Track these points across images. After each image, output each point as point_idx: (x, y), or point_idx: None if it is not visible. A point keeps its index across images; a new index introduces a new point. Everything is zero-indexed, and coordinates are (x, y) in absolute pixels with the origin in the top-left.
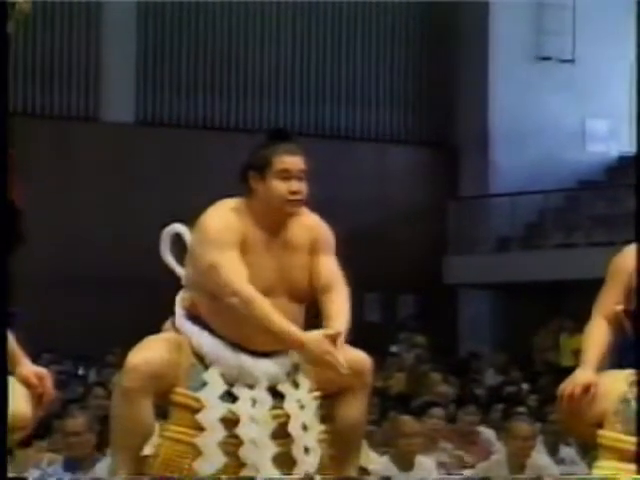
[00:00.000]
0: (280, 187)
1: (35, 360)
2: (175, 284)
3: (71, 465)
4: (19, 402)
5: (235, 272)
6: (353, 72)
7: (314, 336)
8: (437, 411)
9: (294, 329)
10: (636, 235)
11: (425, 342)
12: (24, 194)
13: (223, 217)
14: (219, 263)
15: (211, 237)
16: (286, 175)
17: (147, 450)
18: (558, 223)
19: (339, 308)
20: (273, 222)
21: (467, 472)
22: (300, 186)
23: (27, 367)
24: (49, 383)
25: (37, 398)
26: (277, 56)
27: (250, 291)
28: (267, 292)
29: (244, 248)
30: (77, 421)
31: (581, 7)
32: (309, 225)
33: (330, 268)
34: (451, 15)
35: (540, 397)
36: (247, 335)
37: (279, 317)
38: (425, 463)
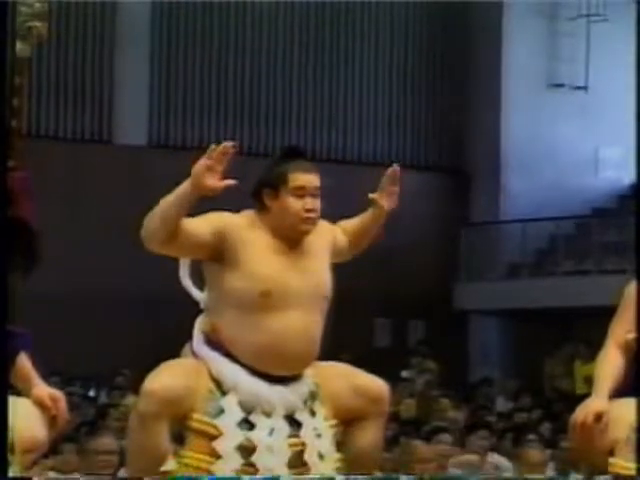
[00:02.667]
0: (295, 204)
1: (45, 381)
2: (191, 307)
3: None
4: (33, 424)
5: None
6: (366, 98)
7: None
8: (445, 437)
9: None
10: (637, 264)
11: (436, 368)
12: (37, 215)
13: (224, 214)
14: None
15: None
16: (301, 192)
17: (166, 467)
18: (569, 250)
19: None
20: (288, 236)
21: None
22: (315, 203)
23: (41, 389)
24: (63, 405)
25: (51, 420)
26: (289, 81)
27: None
28: (286, 297)
29: (248, 246)
30: (108, 440)
31: (595, 35)
32: (321, 229)
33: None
34: (464, 42)
35: (551, 424)
36: (266, 359)
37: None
38: None
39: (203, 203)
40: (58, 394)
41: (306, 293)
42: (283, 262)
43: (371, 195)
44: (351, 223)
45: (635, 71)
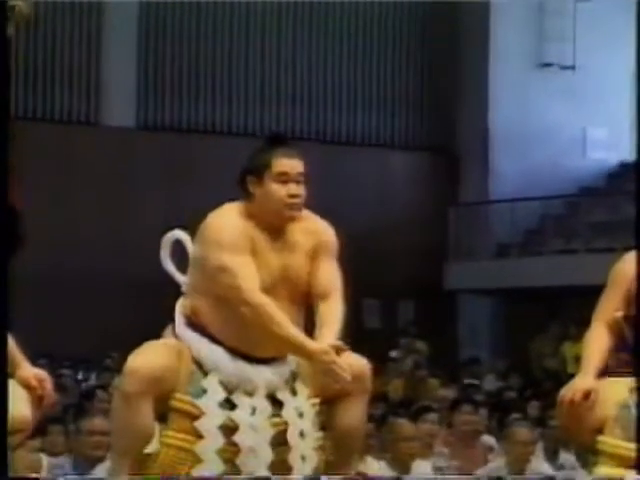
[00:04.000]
0: (278, 190)
1: (33, 364)
2: (174, 289)
3: (82, 465)
4: (19, 404)
5: (247, 278)
6: (354, 77)
7: (322, 346)
8: (431, 416)
9: (303, 337)
10: (636, 242)
11: (425, 348)
12: (23, 197)
13: (232, 220)
14: (229, 267)
15: (221, 240)
16: (284, 178)
17: (149, 449)
18: (558, 229)
19: (333, 317)
20: (274, 225)
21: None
22: (298, 189)
23: (27, 370)
24: (49, 385)
25: (37, 400)
26: (278, 61)
27: (260, 298)
28: (268, 293)
29: (250, 250)
30: (100, 421)
31: (582, 14)
32: (313, 229)
33: (329, 274)
34: (452, 21)
35: (539, 403)
36: (248, 341)
37: (288, 324)
38: (422, 467)
39: (193, 189)
40: (43, 374)
41: (284, 286)
42: (265, 255)
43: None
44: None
45: (635, 53)
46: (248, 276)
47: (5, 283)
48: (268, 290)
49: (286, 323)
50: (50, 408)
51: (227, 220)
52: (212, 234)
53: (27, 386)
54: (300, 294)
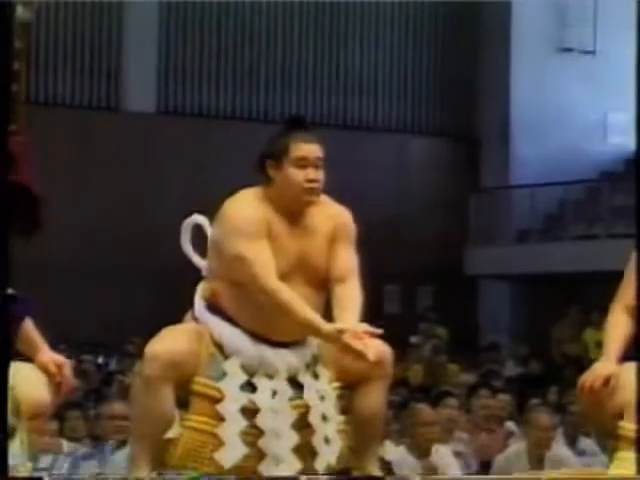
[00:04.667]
0: (297, 175)
1: (54, 349)
2: (195, 274)
3: (102, 450)
4: (38, 389)
5: (262, 266)
6: (375, 63)
7: (337, 326)
8: (451, 401)
9: (319, 320)
10: (637, 232)
11: (445, 333)
12: (41, 182)
13: (249, 206)
14: (246, 255)
15: (238, 227)
16: (303, 163)
17: (170, 434)
18: (578, 215)
19: (352, 300)
20: (292, 210)
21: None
22: (317, 174)
23: (46, 354)
24: (68, 371)
25: (55, 386)
26: (300, 46)
27: (275, 284)
28: (286, 278)
29: (267, 236)
30: (120, 406)
31: None
32: (332, 214)
33: (347, 259)
34: (473, 6)
35: (560, 389)
36: (268, 325)
37: (304, 308)
38: (442, 451)
39: (213, 174)
40: (62, 360)
41: (305, 274)
42: (285, 240)
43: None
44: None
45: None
46: (264, 263)
47: (5, 250)
48: (287, 275)
49: (302, 307)
50: (70, 394)
51: (244, 206)
52: (229, 220)
53: (45, 371)
54: (319, 279)
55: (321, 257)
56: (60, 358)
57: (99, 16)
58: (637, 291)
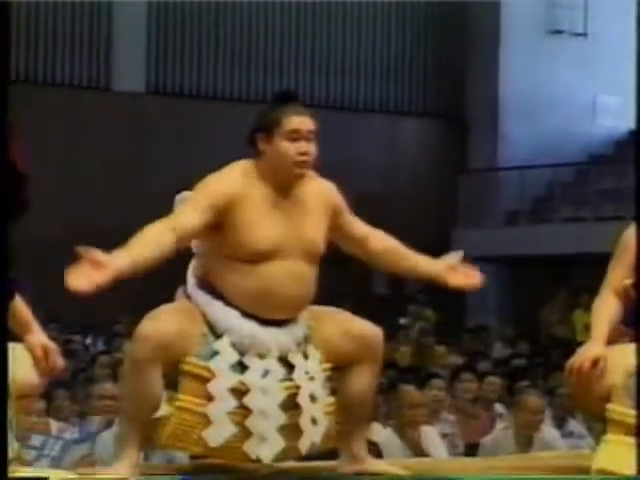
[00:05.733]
0: (289, 148)
1: (43, 329)
2: (184, 253)
3: (90, 429)
4: (26, 369)
5: (170, 220)
6: (365, 44)
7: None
8: (437, 382)
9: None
10: (636, 212)
11: (433, 316)
12: (30, 162)
13: (227, 179)
14: (179, 210)
15: (200, 189)
16: (295, 136)
17: (158, 413)
18: (567, 197)
19: (402, 247)
20: (283, 183)
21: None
22: (309, 147)
23: (36, 337)
24: (55, 357)
25: (42, 367)
26: (288, 27)
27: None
28: (279, 251)
29: (246, 208)
30: (110, 385)
31: None
32: (321, 188)
33: (360, 223)
34: None
35: (547, 371)
36: (259, 301)
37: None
38: (429, 433)
39: (202, 153)
40: (51, 345)
41: (297, 246)
42: (277, 216)
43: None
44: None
45: (636, 20)
46: (175, 220)
47: (5, 253)
48: (278, 247)
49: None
50: (55, 376)
51: (223, 178)
52: (202, 182)
53: (33, 354)
54: (312, 252)
55: (314, 230)
56: (49, 343)
57: None
58: (636, 269)
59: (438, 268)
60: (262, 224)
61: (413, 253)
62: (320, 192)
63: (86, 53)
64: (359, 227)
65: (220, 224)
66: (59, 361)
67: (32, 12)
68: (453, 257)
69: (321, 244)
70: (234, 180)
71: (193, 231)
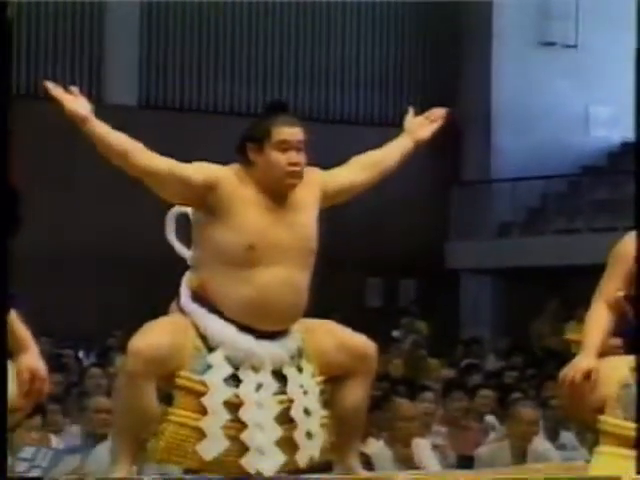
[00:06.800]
0: (279, 158)
1: (36, 342)
2: (178, 266)
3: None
4: (13, 387)
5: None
6: (356, 56)
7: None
8: (428, 395)
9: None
10: (635, 222)
11: (426, 328)
12: (23, 176)
13: (218, 170)
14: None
15: (194, 164)
16: (285, 146)
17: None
18: (560, 208)
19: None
20: (273, 189)
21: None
22: (299, 157)
23: (27, 359)
24: (40, 384)
25: (26, 393)
26: (280, 40)
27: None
28: (272, 249)
29: (236, 202)
30: (107, 400)
31: None
32: (308, 180)
33: (342, 171)
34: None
35: (540, 382)
36: (253, 313)
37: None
38: (421, 445)
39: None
40: (40, 371)
41: (292, 247)
42: (270, 216)
43: (407, 123)
44: (365, 159)
45: (636, 29)
46: (165, 161)
47: (5, 268)
48: (274, 248)
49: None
50: (37, 400)
51: (215, 167)
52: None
53: (19, 376)
54: (308, 256)
55: (310, 229)
56: (38, 368)
57: (81, 9)
58: (637, 278)
59: (410, 138)
60: (253, 216)
61: (386, 150)
62: (308, 185)
63: (78, 66)
64: (343, 177)
65: (211, 209)
66: (45, 388)
67: (24, 25)
68: (410, 119)
69: (314, 239)
70: (226, 173)
71: (184, 174)
